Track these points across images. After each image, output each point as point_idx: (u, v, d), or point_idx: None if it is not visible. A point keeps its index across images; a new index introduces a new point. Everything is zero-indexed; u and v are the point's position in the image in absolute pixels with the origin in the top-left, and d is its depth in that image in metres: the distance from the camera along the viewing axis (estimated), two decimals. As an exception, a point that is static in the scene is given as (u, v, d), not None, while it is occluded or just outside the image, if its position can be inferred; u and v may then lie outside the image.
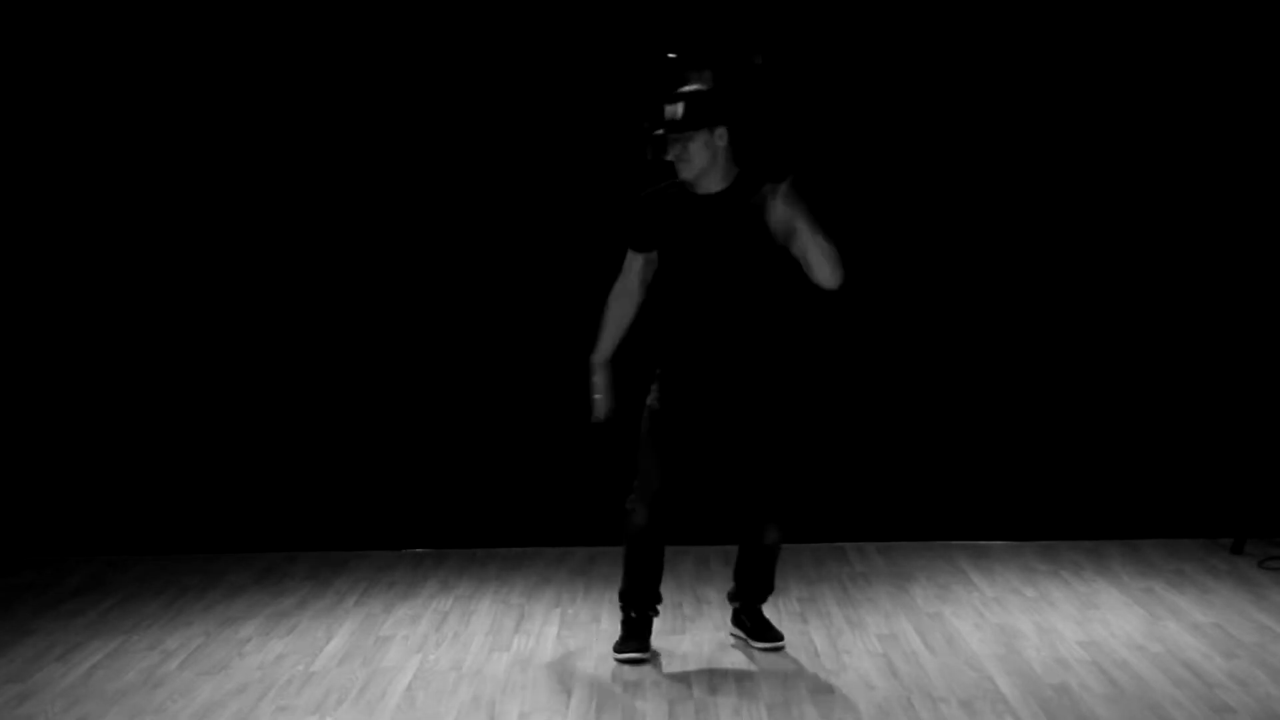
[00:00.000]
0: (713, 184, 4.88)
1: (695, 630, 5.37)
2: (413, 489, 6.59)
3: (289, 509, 6.60)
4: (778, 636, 5.15)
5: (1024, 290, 6.53)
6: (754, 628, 5.18)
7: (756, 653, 5.09)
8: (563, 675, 4.91)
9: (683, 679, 4.85)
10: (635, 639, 5.10)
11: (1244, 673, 4.80)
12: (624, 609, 5.12)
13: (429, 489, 6.60)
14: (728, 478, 5.08)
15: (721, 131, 4.83)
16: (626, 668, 4.97)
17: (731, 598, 5.27)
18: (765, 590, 5.21)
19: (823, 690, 4.71)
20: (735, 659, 5.04)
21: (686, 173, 4.86)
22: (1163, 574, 5.99)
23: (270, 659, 5.12)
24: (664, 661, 5.03)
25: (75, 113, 6.47)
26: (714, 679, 4.85)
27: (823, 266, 4.77)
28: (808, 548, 6.38)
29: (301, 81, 6.46)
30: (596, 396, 5.03)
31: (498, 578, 6.09)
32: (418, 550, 6.53)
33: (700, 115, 4.79)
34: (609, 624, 5.43)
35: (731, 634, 5.27)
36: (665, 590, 5.83)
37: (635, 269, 5.00)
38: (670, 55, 4.93)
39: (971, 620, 5.42)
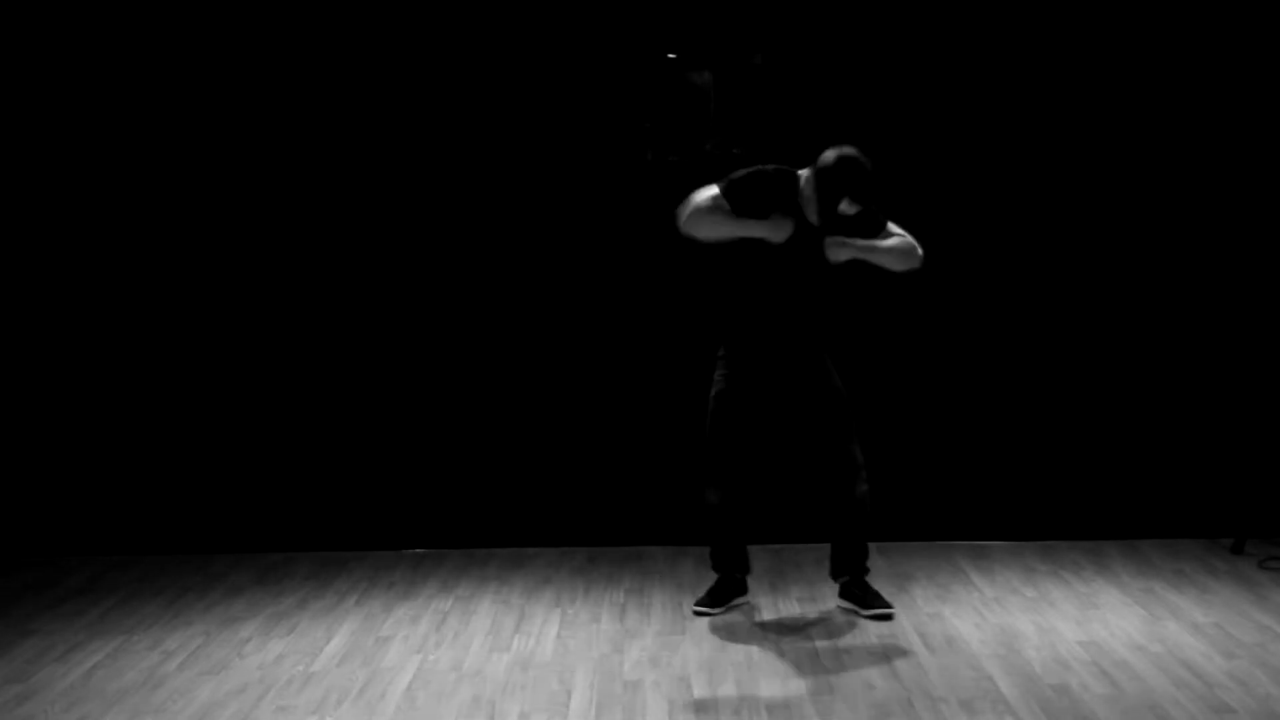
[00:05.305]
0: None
1: (695, 630, 5.36)
2: (413, 489, 6.58)
3: (289, 509, 6.60)
4: (886, 604, 5.48)
5: (1024, 291, 6.53)
6: (863, 596, 5.50)
7: (756, 652, 5.08)
8: (563, 675, 4.90)
9: (683, 679, 4.85)
10: (712, 595, 5.57)
11: (1244, 673, 4.80)
12: (714, 568, 5.62)
13: (429, 489, 6.59)
14: (803, 449, 5.59)
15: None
16: (627, 666, 4.96)
17: (834, 574, 5.58)
18: (863, 553, 5.52)
19: (823, 690, 4.71)
20: (735, 659, 5.03)
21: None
22: (1163, 574, 5.99)
23: (270, 659, 5.12)
24: (664, 661, 5.03)
25: (75, 115, 6.46)
26: (714, 679, 4.85)
27: (891, 266, 5.40)
28: (808, 548, 6.37)
29: (298, 90, 6.44)
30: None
31: (498, 578, 6.09)
32: (418, 550, 6.53)
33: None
34: (609, 624, 5.44)
35: (840, 607, 5.57)
36: (665, 590, 5.86)
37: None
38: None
39: (971, 620, 5.42)
